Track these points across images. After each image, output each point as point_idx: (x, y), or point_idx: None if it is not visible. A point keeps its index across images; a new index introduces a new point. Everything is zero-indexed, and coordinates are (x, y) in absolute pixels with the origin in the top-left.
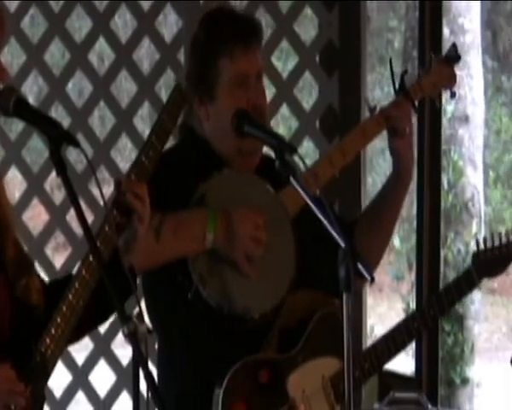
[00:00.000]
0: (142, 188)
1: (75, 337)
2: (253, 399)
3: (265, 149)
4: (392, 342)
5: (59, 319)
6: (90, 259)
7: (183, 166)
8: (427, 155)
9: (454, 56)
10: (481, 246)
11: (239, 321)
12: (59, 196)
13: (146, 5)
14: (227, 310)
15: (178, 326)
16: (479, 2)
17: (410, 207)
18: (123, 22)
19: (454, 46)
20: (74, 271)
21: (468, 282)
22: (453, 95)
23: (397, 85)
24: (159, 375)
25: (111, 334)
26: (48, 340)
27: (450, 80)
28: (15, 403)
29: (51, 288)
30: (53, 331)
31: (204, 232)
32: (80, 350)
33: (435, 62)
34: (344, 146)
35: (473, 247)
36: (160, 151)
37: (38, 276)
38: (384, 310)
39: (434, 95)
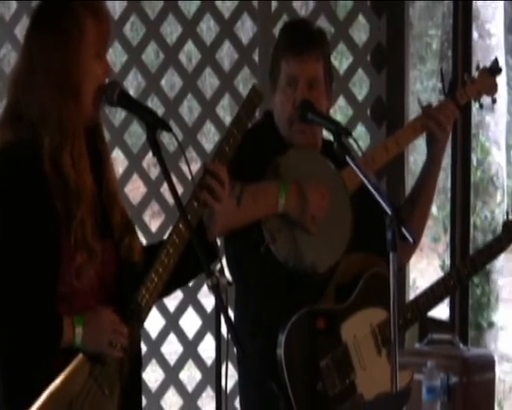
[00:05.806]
0: (223, 171)
1: (166, 292)
2: (312, 343)
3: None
4: (432, 296)
5: (153, 275)
6: (180, 226)
7: (259, 144)
8: (460, 138)
9: (497, 68)
10: (511, 217)
11: (303, 275)
12: (154, 172)
13: (226, 13)
14: (292, 264)
15: (252, 276)
16: (502, 11)
17: (445, 180)
18: (207, 27)
19: (496, 60)
20: (166, 236)
21: (498, 247)
22: (494, 101)
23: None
24: (235, 316)
25: (197, 286)
26: (144, 291)
27: (493, 89)
28: (119, 342)
29: (148, 250)
30: (148, 284)
31: (277, 199)
32: (172, 299)
33: (480, 73)
34: (398, 138)
35: (498, 215)
36: (238, 140)
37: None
38: (424, 266)
39: (477, 99)
